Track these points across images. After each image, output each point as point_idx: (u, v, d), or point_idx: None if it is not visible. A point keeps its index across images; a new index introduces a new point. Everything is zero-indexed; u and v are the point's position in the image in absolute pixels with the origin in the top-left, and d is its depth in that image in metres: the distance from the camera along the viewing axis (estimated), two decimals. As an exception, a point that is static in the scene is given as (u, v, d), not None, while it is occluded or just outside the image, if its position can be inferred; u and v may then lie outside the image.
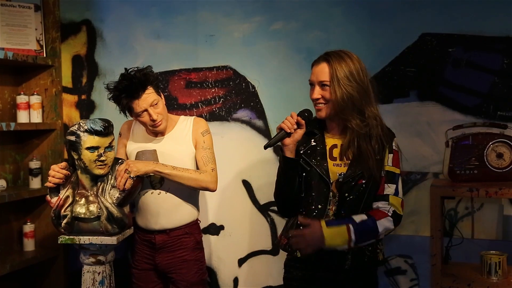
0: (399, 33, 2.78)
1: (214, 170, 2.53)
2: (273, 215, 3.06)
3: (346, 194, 2.07)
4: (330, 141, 2.16)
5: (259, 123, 3.05)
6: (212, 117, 3.11)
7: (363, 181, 2.07)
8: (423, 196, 2.74)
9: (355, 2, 2.86)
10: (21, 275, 3.15)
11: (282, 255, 3.01)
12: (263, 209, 3.07)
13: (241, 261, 3.12)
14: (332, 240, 1.99)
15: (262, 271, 3.09)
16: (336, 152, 2.13)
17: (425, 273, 2.77)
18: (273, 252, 3.06)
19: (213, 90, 3.11)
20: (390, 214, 2.06)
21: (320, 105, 2.09)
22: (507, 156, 2.49)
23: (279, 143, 2.08)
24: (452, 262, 2.66)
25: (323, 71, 2.06)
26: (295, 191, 2.13)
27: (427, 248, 2.64)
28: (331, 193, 2.09)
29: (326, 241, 1.98)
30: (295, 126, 2.05)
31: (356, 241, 2.00)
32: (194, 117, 2.67)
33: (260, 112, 3.05)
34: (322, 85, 2.07)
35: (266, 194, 3.06)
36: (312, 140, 2.16)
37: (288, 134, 2.05)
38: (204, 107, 3.12)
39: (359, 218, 2.04)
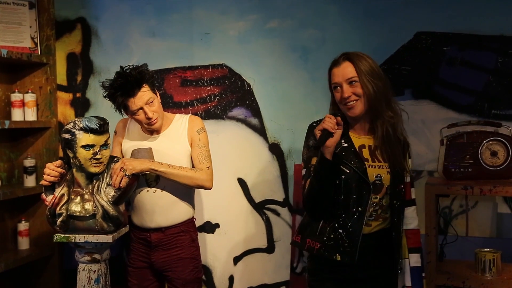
0: (394, 31, 2.80)
1: (209, 168, 2.52)
2: (268, 213, 3.06)
3: (395, 201, 2.11)
4: (357, 141, 2.12)
5: (254, 121, 3.05)
6: (207, 115, 3.11)
7: (402, 186, 2.13)
8: (418, 194, 2.70)
9: (350, 1, 2.87)
10: (16, 273, 3.14)
11: (278, 253, 3.04)
12: (259, 207, 3.08)
13: (236, 259, 3.12)
14: None
15: (258, 269, 3.09)
16: (366, 153, 2.10)
17: (420, 271, 2.78)
18: (269, 250, 3.07)
19: (209, 88, 3.11)
20: (419, 228, 2.24)
21: (352, 102, 2.04)
22: (501, 154, 2.50)
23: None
24: (446, 260, 2.68)
25: (347, 69, 2.04)
26: (331, 194, 2.06)
27: (422, 245, 2.65)
28: (370, 195, 2.06)
29: None
30: (336, 126, 1.97)
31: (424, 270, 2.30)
32: (189, 115, 2.67)
33: (255, 110, 3.05)
34: (350, 82, 2.04)
35: (261, 192, 3.06)
36: (343, 141, 2.08)
37: (331, 135, 1.97)
38: (200, 105, 3.12)
39: (417, 259, 2.20)
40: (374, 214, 2.09)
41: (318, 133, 1.98)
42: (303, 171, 2.14)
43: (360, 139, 2.12)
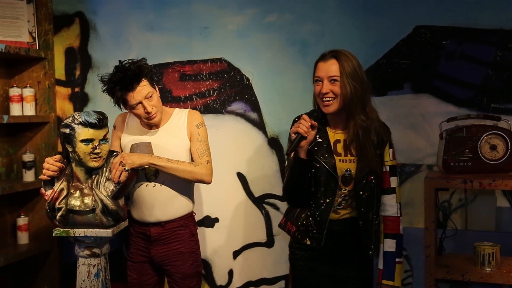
0: (393, 25, 2.79)
1: (209, 163, 2.53)
2: (267, 207, 3.06)
3: (361, 193, 2.22)
4: (332, 136, 2.27)
5: (253, 115, 3.05)
6: (206, 109, 3.10)
7: (372, 177, 2.22)
8: (417, 188, 2.75)
9: (349, -5, 2.86)
10: (16, 268, 3.15)
11: (277, 247, 3.05)
12: (258, 201, 3.08)
13: (236, 253, 3.13)
14: (400, 280, 2.29)
15: (257, 263, 3.10)
16: (340, 148, 2.25)
17: (419, 265, 2.78)
18: (268, 244, 3.07)
19: (208, 83, 3.10)
20: (399, 215, 2.30)
21: (329, 100, 2.18)
22: (500, 148, 2.50)
23: None
24: (445, 254, 2.69)
25: (332, 67, 2.17)
26: (307, 188, 2.23)
27: (421, 239, 2.64)
28: (337, 187, 2.22)
29: (399, 285, 2.29)
30: (310, 129, 2.13)
31: (401, 256, 2.31)
32: (188, 109, 2.66)
33: (254, 105, 3.05)
34: (331, 80, 2.17)
35: (260, 187, 3.06)
36: (318, 136, 2.23)
37: (305, 138, 2.12)
38: (199, 99, 3.12)
39: (391, 244, 2.28)
40: (343, 204, 2.25)
41: (292, 136, 2.14)
42: (286, 163, 2.33)
43: (336, 134, 2.27)
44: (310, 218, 2.26)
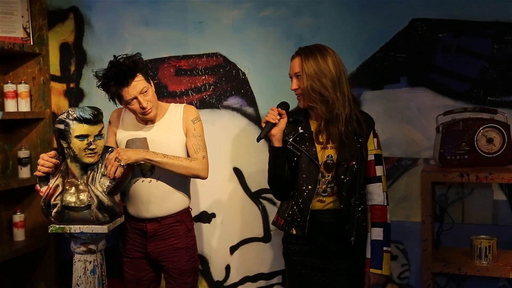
0: (389, 18, 2.77)
1: (205, 158, 2.52)
2: (264, 202, 3.06)
3: (342, 176, 2.28)
4: (315, 127, 2.37)
5: (249, 110, 3.04)
6: (202, 104, 3.09)
7: (354, 163, 2.28)
8: (414, 181, 2.75)
9: (345, -12, 2.84)
10: (12, 265, 3.14)
11: (274, 242, 3.05)
12: (255, 196, 3.07)
13: (232, 249, 3.12)
14: (388, 268, 2.33)
15: (254, 259, 3.09)
16: (322, 137, 2.34)
17: (416, 258, 2.79)
18: (265, 239, 3.07)
19: (203, 78, 3.09)
20: (386, 204, 2.34)
21: (298, 95, 2.34)
22: (497, 141, 2.50)
23: (268, 135, 2.29)
24: (442, 247, 2.69)
25: (296, 64, 2.30)
26: (286, 176, 2.33)
27: (418, 233, 2.65)
28: (320, 174, 2.29)
29: (387, 274, 2.33)
30: (278, 117, 2.27)
31: (389, 245, 2.35)
32: (184, 104, 2.65)
33: (250, 99, 3.03)
34: (297, 76, 2.30)
35: (257, 182, 3.05)
36: (300, 127, 2.37)
37: (274, 125, 2.26)
38: (194, 94, 3.10)
39: (378, 233, 2.32)
40: (328, 191, 2.31)
41: (263, 125, 2.28)
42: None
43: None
44: (295, 207, 2.33)
